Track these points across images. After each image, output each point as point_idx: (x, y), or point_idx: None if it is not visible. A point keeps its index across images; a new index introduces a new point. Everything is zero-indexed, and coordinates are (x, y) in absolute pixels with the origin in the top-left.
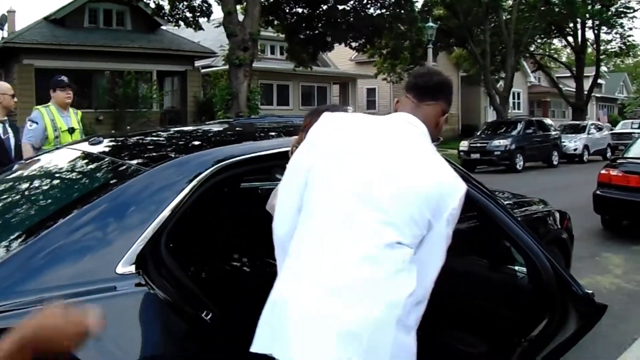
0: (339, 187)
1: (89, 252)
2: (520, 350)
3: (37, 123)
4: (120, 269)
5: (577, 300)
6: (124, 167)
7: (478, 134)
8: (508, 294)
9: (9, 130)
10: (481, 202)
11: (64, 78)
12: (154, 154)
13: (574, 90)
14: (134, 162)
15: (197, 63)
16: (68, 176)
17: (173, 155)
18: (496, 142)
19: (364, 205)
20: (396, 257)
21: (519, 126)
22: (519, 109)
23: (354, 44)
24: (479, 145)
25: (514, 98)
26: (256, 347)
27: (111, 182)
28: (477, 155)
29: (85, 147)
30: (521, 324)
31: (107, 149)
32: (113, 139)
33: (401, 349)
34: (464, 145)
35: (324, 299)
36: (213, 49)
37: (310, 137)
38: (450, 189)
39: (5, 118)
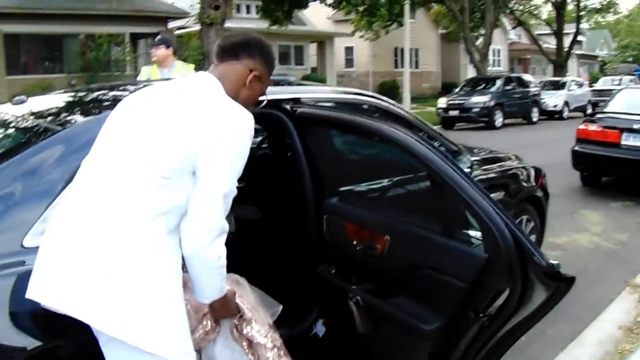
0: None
1: None
2: (478, 326)
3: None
4: (29, 241)
5: (539, 272)
6: (37, 128)
7: (456, 91)
8: (461, 263)
9: None
10: (428, 159)
11: (159, 37)
12: (75, 114)
13: (555, 47)
14: (49, 122)
15: (171, 24)
16: None
17: (94, 113)
18: (475, 99)
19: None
20: None
21: (498, 83)
22: (499, 66)
23: (329, 1)
24: (457, 102)
25: (494, 55)
26: None
27: (20, 145)
28: (455, 113)
29: (7, 107)
30: (478, 298)
31: (28, 109)
32: (41, 97)
33: None
34: (442, 102)
35: None
36: (187, 10)
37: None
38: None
39: None
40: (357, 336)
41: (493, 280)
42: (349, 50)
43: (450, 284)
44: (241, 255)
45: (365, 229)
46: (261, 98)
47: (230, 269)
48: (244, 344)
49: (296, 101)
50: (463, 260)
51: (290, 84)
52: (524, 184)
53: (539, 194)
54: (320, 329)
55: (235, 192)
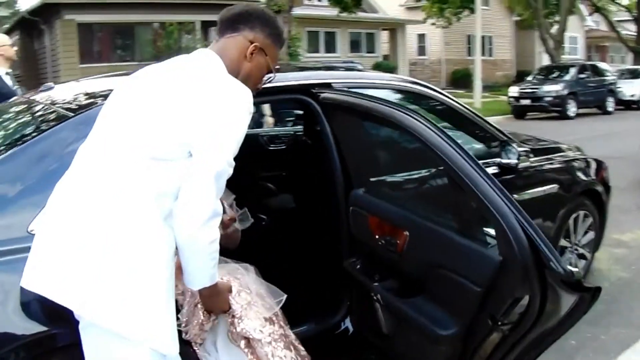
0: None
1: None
2: (498, 335)
3: None
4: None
5: (557, 280)
6: (53, 114)
7: (529, 79)
8: (475, 265)
9: (16, 82)
10: (440, 149)
11: None
12: (92, 99)
13: (635, 34)
14: (65, 108)
15: None
16: (6, 124)
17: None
18: (547, 88)
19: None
20: None
21: (572, 71)
22: (575, 54)
23: None
24: (529, 90)
25: (569, 43)
26: None
27: (34, 131)
28: (527, 102)
29: (36, 94)
30: (494, 304)
31: (51, 96)
32: (70, 85)
33: None
34: (513, 91)
35: None
36: None
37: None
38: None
39: (10, 70)
40: (382, 335)
41: (508, 286)
42: (421, 37)
43: (465, 287)
44: (274, 245)
45: (387, 223)
46: (269, 75)
47: (261, 258)
48: (242, 342)
49: (327, 86)
50: (477, 262)
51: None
52: (582, 177)
53: (599, 188)
54: (349, 324)
55: (229, 173)
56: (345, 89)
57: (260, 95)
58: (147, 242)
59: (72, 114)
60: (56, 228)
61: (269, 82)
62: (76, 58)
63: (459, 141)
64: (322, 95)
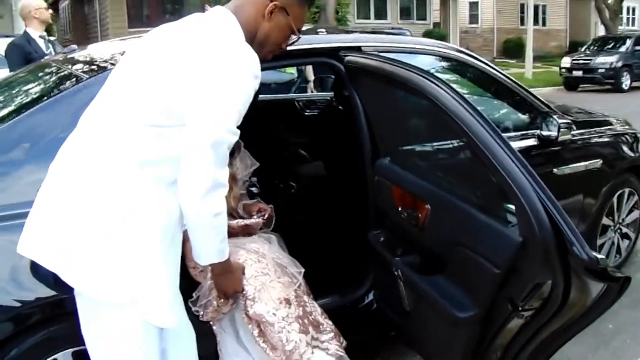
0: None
1: (8, 172)
2: (519, 322)
3: None
4: None
5: (580, 267)
6: (68, 76)
7: (582, 50)
8: (495, 245)
9: (50, 45)
10: (460, 117)
11: None
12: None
13: None
14: (82, 71)
15: None
16: (23, 87)
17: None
18: (601, 59)
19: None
20: None
21: (628, 42)
22: (633, 25)
23: None
24: (582, 62)
25: (627, 13)
26: None
27: (49, 92)
28: (579, 73)
29: (58, 56)
30: (514, 288)
31: (72, 57)
32: (97, 46)
33: None
34: (565, 61)
35: None
36: None
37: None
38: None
39: (45, 33)
40: (402, 312)
41: (529, 270)
42: (473, 5)
43: (484, 268)
44: (301, 213)
45: (410, 195)
46: (293, 37)
47: (288, 226)
48: (255, 331)
49: (356, 50)
50: (497, 241)
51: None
52: (629, 153)
53: None
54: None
55: (231, 142)
56: (376, 52)
57: (286, 57)
58: (138, 208)
59: (87, 77)
60: (49, 193)
61: (293, 44)
62: (125, 22)
63: (497, 111)
64: (346, 58)
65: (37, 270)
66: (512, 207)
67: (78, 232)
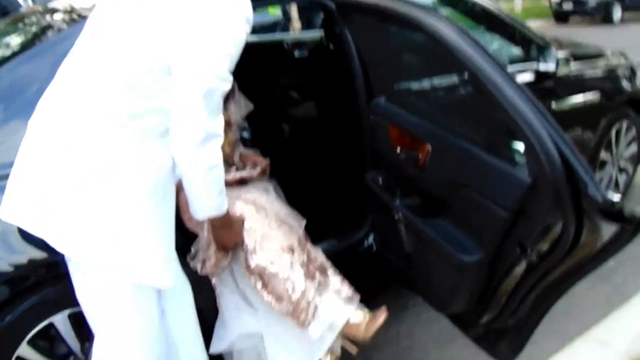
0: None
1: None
2: (526, 264)
3: None
4: None
5: (594, 208)
6: (47, 26)
7: None
8: (502, 186)
9: None
10: (460, 51)
11: None
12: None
13: None
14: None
15: None
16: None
17: None
18: None
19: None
20: None
21: None
22: None
23: None
24: None
25: None
26: None
27: (28, 45)
28: (569, 6)
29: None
30: (523, 231)
31: (52, 7)
32: None
33: None
34: None
35: None
36: None
37: None
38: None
39: None
40: (404, 255)
41: (539, 211)
42: None
43: (491, 210)
44: (296, 157)
45: (408, 134)
46: None
47: (283, 170)
48: (259, 284)
49: None
50: (504, 182)
51: None
52: (626, 86)
53: None
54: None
55: (224, 90)
56: None
57: None
58: (114, 165)
59: (67, 27)
60: (27, 152)
61: None
62: None
63: (492, 45)
64: None
65: (27, 232)
66: (520, 145)
67: (56, 192)
